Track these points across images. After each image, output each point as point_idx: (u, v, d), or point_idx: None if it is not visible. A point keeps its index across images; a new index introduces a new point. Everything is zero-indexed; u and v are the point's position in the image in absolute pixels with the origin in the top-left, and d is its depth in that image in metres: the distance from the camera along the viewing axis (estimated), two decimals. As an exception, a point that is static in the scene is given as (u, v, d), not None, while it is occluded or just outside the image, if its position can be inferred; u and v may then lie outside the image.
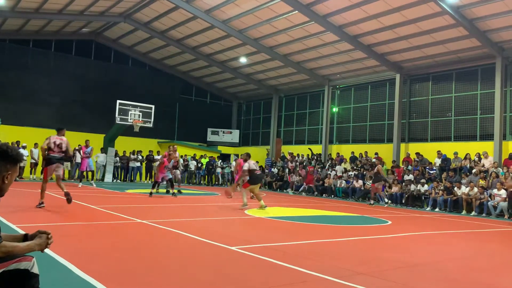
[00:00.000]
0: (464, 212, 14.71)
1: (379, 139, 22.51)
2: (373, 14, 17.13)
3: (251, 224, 9.06)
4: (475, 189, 14.92)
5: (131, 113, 21.07)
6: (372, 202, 16.02)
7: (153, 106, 21.90)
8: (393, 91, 21.52)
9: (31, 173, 20.11)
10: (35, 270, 2.33)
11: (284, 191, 22.54)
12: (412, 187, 16.73)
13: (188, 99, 29.90)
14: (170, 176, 15.33)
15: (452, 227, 10.67)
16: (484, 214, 14.20)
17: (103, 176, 22.05)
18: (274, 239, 6.96)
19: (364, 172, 19.71)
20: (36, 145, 19.98)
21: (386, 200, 16.05)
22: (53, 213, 9.12)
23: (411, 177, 17.46)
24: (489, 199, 14.38)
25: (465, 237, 9.11)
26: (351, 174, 20.03)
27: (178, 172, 16.73)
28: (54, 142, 9.69)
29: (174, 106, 28.79)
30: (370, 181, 17.01)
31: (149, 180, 23.78)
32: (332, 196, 19.85)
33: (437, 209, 15.42)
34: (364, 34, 18.87)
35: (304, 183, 21.66)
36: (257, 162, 13.60)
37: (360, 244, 7.09)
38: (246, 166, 11.86)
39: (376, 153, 21.33)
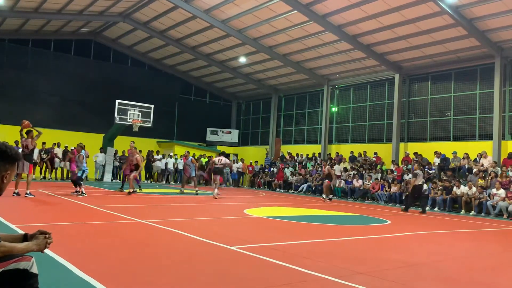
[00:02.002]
0: (463, 211, 14.73)
1: (378, 139, 22.52)
2: (372, 14, 17.14)
3: (250, 223, 9.07)
4: (474, 189, 14.93)
5: (130, 113, 21.06)
6: (330, 197, 16.81)
7: (152, 106, 21.89)
8: (392, 91, 21.53)
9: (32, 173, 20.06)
10: (34, 270, 2.33)
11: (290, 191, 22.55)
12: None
13: (187, 99, 29.90)
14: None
15: (451, 226, 10.68)
16: (483, 214, 14.22)
17: (102, 176, 22.06)
18: (274, 238, 6.96)
19: (363, 172, 19.75)
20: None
21: (330, 196, 17.01)
22: (53, 213, 9.12)
23: (410, 176, 17.46)
24: (488, 198, 14.39)
25: (464, 236, 9.12)
26: (351, 174, 20.03)
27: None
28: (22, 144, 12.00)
29: (174, 105, 28.78)
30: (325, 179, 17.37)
31: (149, 180, 23.80)
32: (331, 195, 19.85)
33: (436, 209, 15.44)
34: (363, 33, 18.88)
35: (276, 179, 22.92)
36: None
37: (359, 244, 7.10)
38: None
39: (375, 153, 21.35)
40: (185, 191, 16.75)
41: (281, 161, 25.04)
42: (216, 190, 14.68)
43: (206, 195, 16.31)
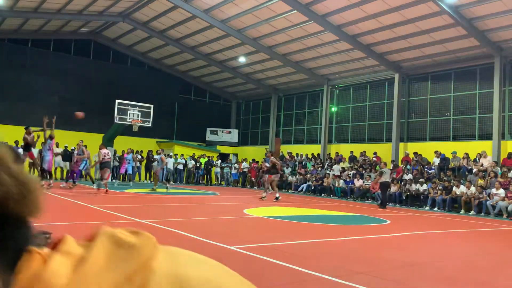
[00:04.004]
0: (462, 211, 14.73)
1: (378, 139, 22.51)
2: (372, 14, 17.13)
3: (250, 223, 9.06)
4: (473, 188, 14.93)
5: (130, 113, 21.06)
6: (277, 196, 14.82)
7: (152, 106, 21.88)
8: (392, 91, 21.53)
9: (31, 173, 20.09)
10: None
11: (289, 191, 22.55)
12: (411, 186, 16.75)
13: (187, 99, 29.88)
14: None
15: (451, 226, 10.68)
16: (482, 214, 14.22)
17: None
18: (273, 238, 6.96)
19: (363, 172, 19.76)
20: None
21: (277, 195, 14.94)
22: (53, 213, 9.11)
23: (410, 176, 17.49)
24: (488, 198, 14.40)
25: (464, 236, 9.13)
26: (350, 174, 20.05)
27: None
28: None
29: (173, 105, 28.77)
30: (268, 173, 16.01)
31: (149, 180, 23.78)
32: (331, 195, 19.87)
33: (436, 209, 15.45)
34: (363, 33, 18.88)
35: (252, 177, 24.10)
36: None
37: (359, 244, 7.09)
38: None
39: (375, 153, 21.35)
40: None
41: (280, 160, 25.05)
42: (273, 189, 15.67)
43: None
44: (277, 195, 14.89)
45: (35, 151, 19.94)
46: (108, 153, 14.64)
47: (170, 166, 24.17)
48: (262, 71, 25.85)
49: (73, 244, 0.50)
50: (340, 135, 24.59)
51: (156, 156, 17.26)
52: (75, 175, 16.39)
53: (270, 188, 15.46)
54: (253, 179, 24.20)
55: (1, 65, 22.67)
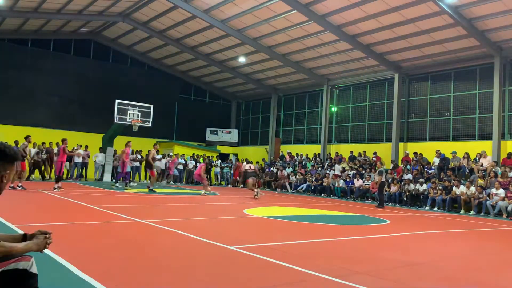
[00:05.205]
0: (462, 211, 14.73)
1: (378, 139, 22.53)
2: (371, 14, 17.15)
3: (250, 223, 9.06)
4: (472, 188, 14.93)
5: (130, 113, 21.03)
6: (257, 195, 15.71)
7: (152, 106, 21.86)
8: (392, 91, 21.54)
9: (31, 173, 20.06)
10: (34, 269, 2.32)
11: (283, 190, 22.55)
12: (411, 186, 16.75)
13: (187, 99, 29.89)
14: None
15: (450, 226, 10.68)
16: (482, 214, 14.22)
17: (102, 175, 22.05)
18: (273, 238, 6.96)
19: (363, 172, 19.76)
20: (34, 144, 19.93)
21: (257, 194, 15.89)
22: (53, 213, 9.11)
23: (409, 176, 17.48)
24: (488, 198, 14.40)
25: (463, 236, 9.13)
26: (350, 174, 20.05)
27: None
28: None
29: (173, 105, 28.77)
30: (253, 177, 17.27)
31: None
32: (331, 195, 19.87)
33: (435, 209, 15.44)
34: (363, 33, 18.89)
35: (234, 177, 24.70)
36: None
37: (359, 244, 7.09)
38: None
39: (375, 153, 21.35)
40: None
41: (279, 162, 25.09)
42: (256, 190, 16.02)
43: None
44: (257, 194, 15.94)
45: (33, 151, 19.98)
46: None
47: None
48: (262, 71, 25.85)
49: None
50: (340, 135, 24.61)
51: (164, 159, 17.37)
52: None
53: (257, 188, 16.49)
54: (237, 178, 24.59)
55: (1, 65, 22.67)
